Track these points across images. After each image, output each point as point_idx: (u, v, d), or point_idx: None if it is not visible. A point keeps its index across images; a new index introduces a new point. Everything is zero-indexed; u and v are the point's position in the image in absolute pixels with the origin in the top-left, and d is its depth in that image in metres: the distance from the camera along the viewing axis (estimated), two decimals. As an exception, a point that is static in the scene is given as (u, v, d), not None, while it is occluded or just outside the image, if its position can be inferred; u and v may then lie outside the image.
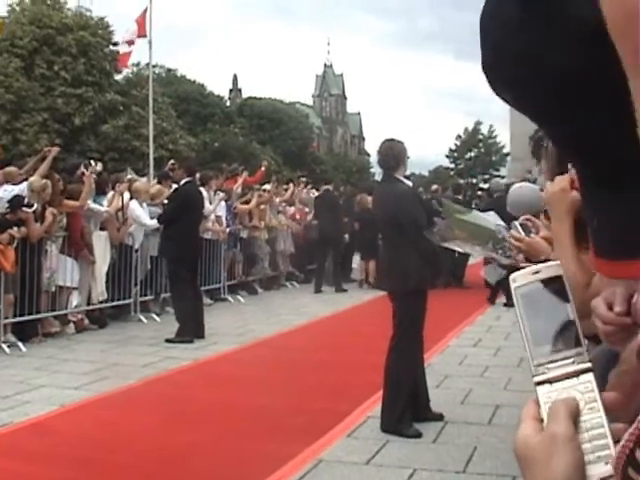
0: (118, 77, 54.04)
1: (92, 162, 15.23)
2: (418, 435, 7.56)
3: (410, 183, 8.59)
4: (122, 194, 14.28)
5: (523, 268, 1.02)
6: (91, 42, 49.79)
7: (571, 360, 0.97)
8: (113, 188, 14.52)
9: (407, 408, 7.72)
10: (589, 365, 0.97)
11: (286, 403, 8.78)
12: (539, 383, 0.97)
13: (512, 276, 1.01)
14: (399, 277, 7.84)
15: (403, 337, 7.78)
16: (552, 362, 0.97)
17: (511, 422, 7.78)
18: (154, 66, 51.74)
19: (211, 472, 6.55)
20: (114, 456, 6.94)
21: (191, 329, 12.64)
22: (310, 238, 22.49)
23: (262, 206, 20.09)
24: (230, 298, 18.17)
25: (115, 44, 49.81)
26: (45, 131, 45.76)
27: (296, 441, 7.31)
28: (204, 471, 6.57)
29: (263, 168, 23.86)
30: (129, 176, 16.51)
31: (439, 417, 8.12)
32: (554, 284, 1.00)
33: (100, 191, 14.24)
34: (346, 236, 21.57)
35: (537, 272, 1.00)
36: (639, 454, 1.01)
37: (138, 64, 57.28)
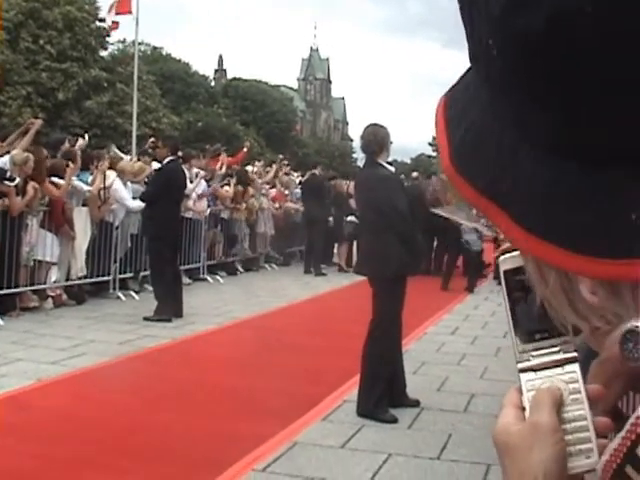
0: (103, 53, 53.93)
1: (86, 136, 15.22)
2: (394, 420, 7.59)
3: (392, 169, 8.55)
4: (104, 173, 14.19)
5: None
6: (77, 17, 49.62)
7: (557, 348, 0.95)
8: (97, 165, 14.45)
9: (384, 393, 7.74)
10: (575, 355, 0.95)
11: (263, 385, 8.79)
12: (523, 370, 0.95)
13: (501, 258, 0.99)
14: (378, 263, 7.86)
15: (382, 322, 7.78)
16: (537, 349, 0.95)
17: (486, 410, 7.83)
18: (140, 43, 51.48)
19: (186, 450, 6.55)
20: (89, 431, 6.93)
21: (170, 308, 12.63)
22: (291, 221, 22.58)
23: (251, 190, 20.10)
24: (209, 278, 18.17)
25: (101, 20, 49.71)
26: (28, 105, 45.63)
27: (272, 423, 7.32)
28: (179, 449, 6.57)
29: (245, 149, 23.90)
30: (112, 152, 16.51)
31: (415, 403, 8.14)
32: None
33: (83, 167, 14.15)
34: (330, 219, 21.74)
35: None
36: None
37: (124, 41, 57.19)
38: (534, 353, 0.95)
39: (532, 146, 0.73)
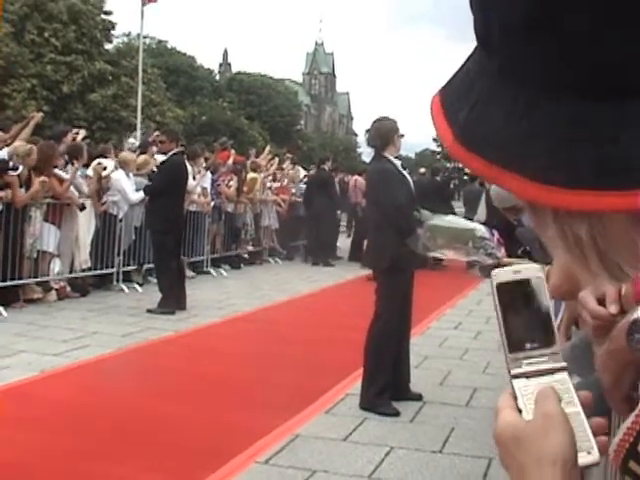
0: (108, 46, 53.96)
1: (81, 132, 15.24)
2: (396, 414, 7.59)
3: (399, 162, 8.50)
4: (100, 173, 14.13)
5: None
6: (82, 10, 49.66)
7: (546, 358, 1.00)
8: (99, 157, 14.50)
9: (385, 387, 7.74)
10: (564, 364, 1.01)
11: (265, 378, 8.79)
12: (515, 376, 1.00)
13: (494, 272, 1.04)
14: (376, 255, 7.96)
15: (382, 316, 7.79)
16: (528, 358, 1.00)
17: (489, 405, 7.82)
18: (145, 37, 51.66)
19: (187, 442, 6.55)
20: (91, 423, 6.94)
21: (173, 301, 12.64)
22: (295, 215, 22.64)
23: (257, 181, 20.21)
24: (213, 271, 18.16)
25: (107, 13, 49.81)
26: (33, 97, 45.66)
27: (274, 416, 7.32)
28: (180, 441, 6.57)
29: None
30: (129, 144, 16.75)
31: (418, 397, 8.14)
32: (534, 284, 1.03)
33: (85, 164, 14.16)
34: (338, 212, 22.15)
35: (518, 272, 1.03)
36: None
37: (129, 34, 57.22)
38: (525, 361, 1.01)
39: (550, 96, 0.72)
